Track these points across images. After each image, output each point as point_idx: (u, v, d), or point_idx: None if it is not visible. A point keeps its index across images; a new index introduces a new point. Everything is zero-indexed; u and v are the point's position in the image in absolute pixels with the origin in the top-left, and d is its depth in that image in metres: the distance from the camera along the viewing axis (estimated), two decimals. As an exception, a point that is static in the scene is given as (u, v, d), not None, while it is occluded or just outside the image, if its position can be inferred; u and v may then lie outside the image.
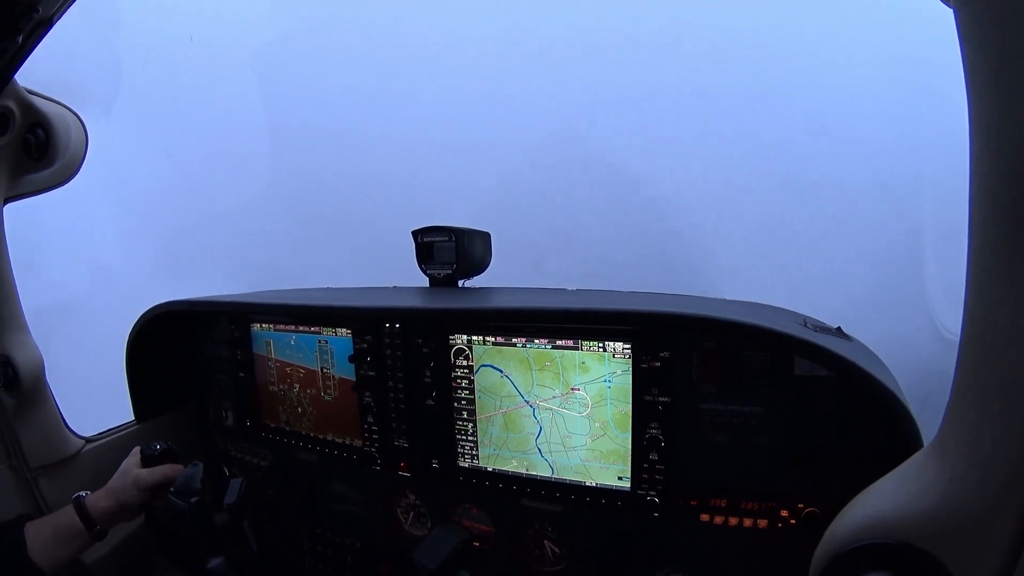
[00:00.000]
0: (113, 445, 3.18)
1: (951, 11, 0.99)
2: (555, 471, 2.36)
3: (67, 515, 2.52)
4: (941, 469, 1.09)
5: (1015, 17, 0.87)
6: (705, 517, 2.11)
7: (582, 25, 5.49)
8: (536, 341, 2.28)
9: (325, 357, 2.87)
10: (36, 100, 2.59)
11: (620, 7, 5.41)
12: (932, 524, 1.09)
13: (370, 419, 2.74)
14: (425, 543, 2.27)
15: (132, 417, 3.39)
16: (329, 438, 2.94)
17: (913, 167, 4.57)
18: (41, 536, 2.46)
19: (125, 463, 2.73)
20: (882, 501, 1.21)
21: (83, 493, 2.60)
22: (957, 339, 1.07)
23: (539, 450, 2.37)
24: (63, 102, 2.75)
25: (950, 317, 4.10)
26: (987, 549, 1.02)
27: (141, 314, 3.21)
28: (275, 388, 3.10)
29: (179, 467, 2.70)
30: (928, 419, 1.52)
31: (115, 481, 2.67)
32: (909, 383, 2.01)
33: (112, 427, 3.30)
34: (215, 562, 2.61)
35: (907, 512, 1.13)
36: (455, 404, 2.53)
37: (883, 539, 1.16)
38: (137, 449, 2.78)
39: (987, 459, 1.01)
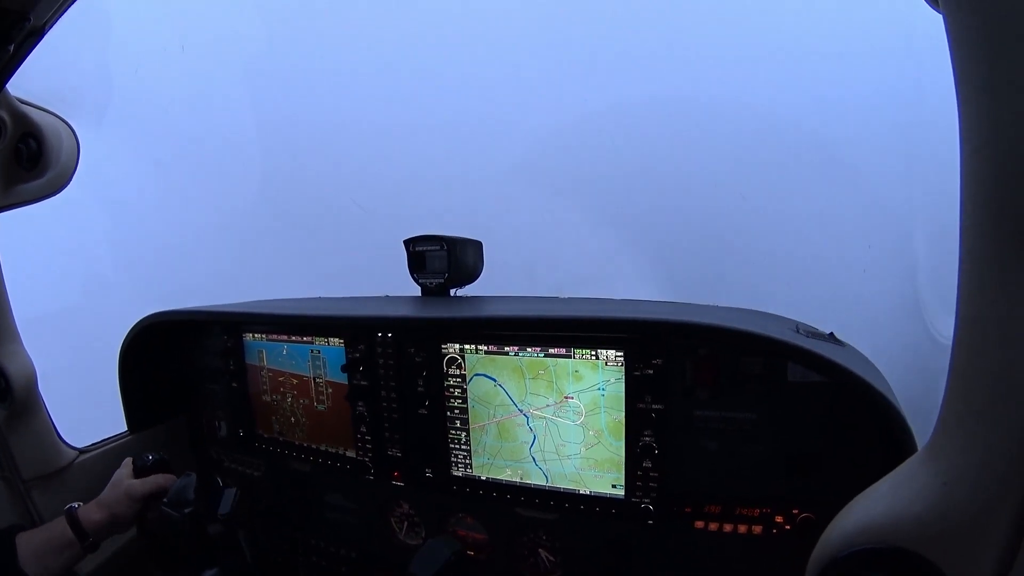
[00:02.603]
0: (106, 456, 3.16)
1: (940, 16, 0.99)
2: (549, 479, 2.36)
3: (59, 526, 2.52)
4: (935, 473, 1.09)
5: (1004, 21, 0.87)
6: (700, 524, 2.12)
7: (573, 32, 5.50)
8: (529, 350, 2.28)
9: (318, 367, 2.86)
10: (28, 110, 2.59)
11: (609, 15, 5.42)
12: (927, 528, 1.09)
13: (363, 428, 2.74)
14: (419, 555, 2.28)
15: (125, 428, 3.38)
16: (322, 448, 2.94)
17: (904, 171, 4.59)
18: (33, 547, 2.45)
19: (117, 474, 2.72)
20: (876, 506, 1.21)
21: (75, 505, 2.59)
22: (949, 343, 1.07)
23: (533, 459, 2.37)
24: (55, 112, 2.75)
25: (943, 321, 4.11)
26: (982, 552, 1.02)
27: (133, 324, 3.20)
28: (268, 398, 3.09)
29: (171, 477, 2.70)
30: (921, 424, 1.53)
31: (107, 493, 2.66)
32: (902, 387, 2.02)
33: (105, 438, 3.29)
34: (209, 573, 2.61)
35: (901, 516, 1.13)
36: (448, 413, 2.53)
37: (878, 544, 1.16)
38: (128, 460, 2.77)
39: (980, 463, 1.01)
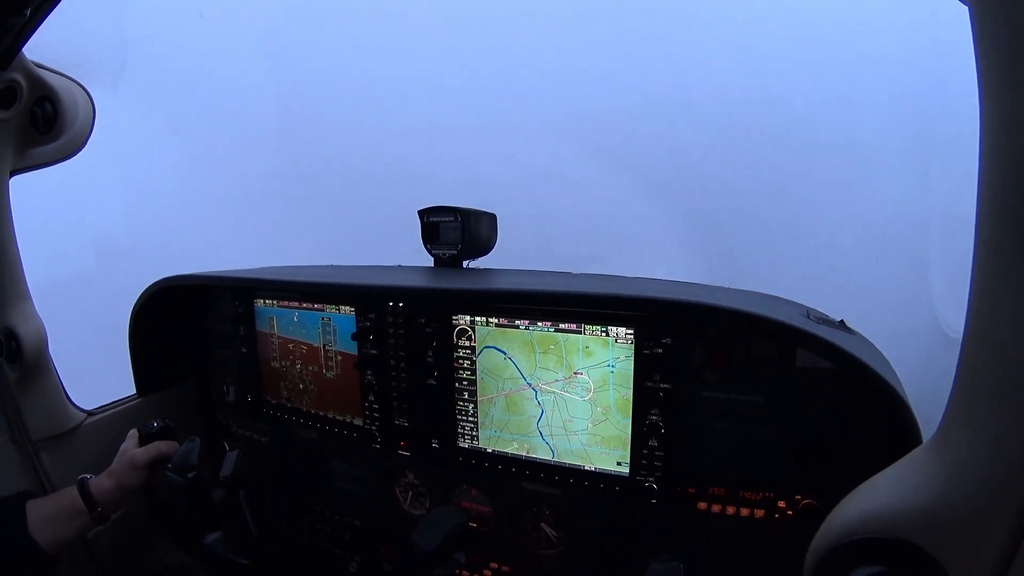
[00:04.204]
0: (115, 418, 3.19)
1: (965, 9, 0.98)
2: (555, 455, 2.36)
3: (70, 495, 2.55)
4: (940, 465, 1.09)
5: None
6: (703, 505, 2.12)
7: (597, 7, 5.47)
8: (540, 324, 2.28)
9: (328, 334, 2.88)
10: (44, 73, 2.59)
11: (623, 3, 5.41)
12: (929, 521, 1.09)
13: (371, 397, 2.75)
14: (423, 524, 2.28)
15: (134, 391, 3.40)
16: (330, 415, 2.95)
17: (920, 161, 4.57)
18: (42, 514, 2.48)
19: (123, 445, 2.75)
20: (879, 496, 1.21)
21: (87, 476, 2.63)
22: (959, 337, 1.07)
23: (540, 433, 2.38)
24: (71, 76, 2.75)
25: (953, 314, 4.11)
26: (983, 547, 1.02)
27: (145, 288, 3.21)
28: (277, 364, 3.10)
29: (173, 444, 2.72)
30: (928, 415, 1.53)
31: (114, 464, 2.70)
32: (910, 378, 2.01)
33: (114, 400, 3.31)
34: (212, 537, 2.63)
35: (904, 508, 1.13)
36: (456, 385, 2.53)
37: (879, 534, 1.16)
38: (134, 431, 2.80)
39: (986, 457, 1.01)
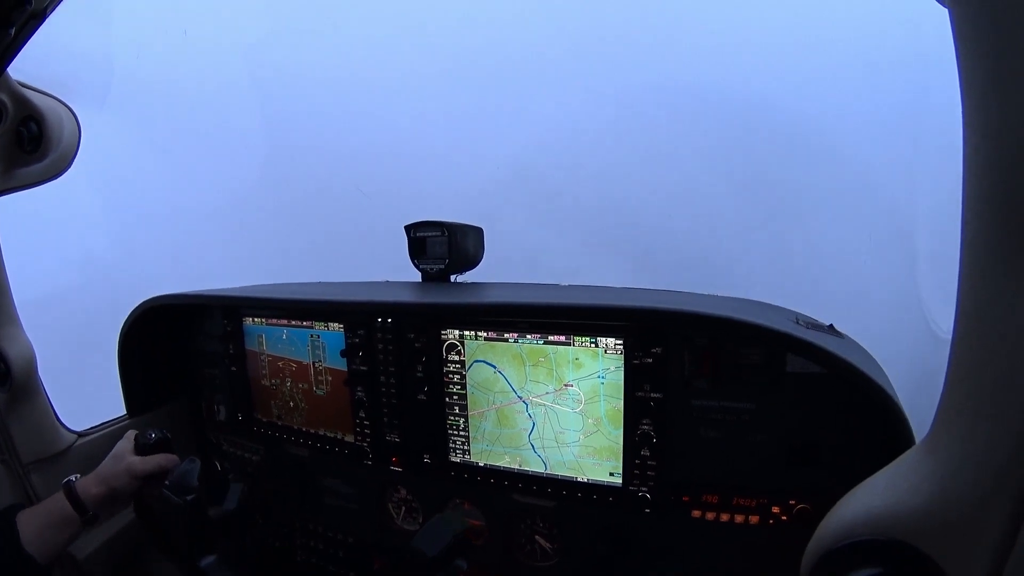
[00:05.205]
0: (105, 440, 3.16)
1: (946, 11, 0.99)
2: (548, 467, 2.36)
3: (58, 502, 2.49)
4: (933, 466, 1.09)
5: (1010, 16, 0.87)
6: (697, 513, 2.12)
7: (581, 24, 5.50)
8: (528, 336, 2.29)
9: (317, 351, 2.87)
10: (29, 93, 2.58)
11: (612, 13, 5.43)
12: (924, 521, 1.09)
13: (362, 414, 2.75)
14: (424, 530, 2.23)
15: (124, 411, 3.38)
16: (321, 432, 2.94)
17: (906, 164, 4.58)
18: (34, 525, 2.43)
19: (119, 447, 2.67)
20: (873, 498, 1.21)
21: (73, 477, 2.56)
22: (949, 337, 1.07)
23: (532, 446, 2.38)
24: (56, 95, 2.74)
25: (942, 315, 4.11)
26: (979, 546, 1.02)
27: (133, 308, 3.20)
28: (267, 382, 3.09)
29: (174, 458, 2.67)
30: (920, 417, 1.53)
31: (107, 466, 2.61)
32: (901, 380, 2.02)
33: (104, 421, 3.29)
34: (208, 560, 2.61)
35: (898, 509, 1.13)
36: (447, 399, 2.53)
37: (874, 536, 1.16)
38: (132, 433, 2.73)
39: (979, 456, 1.01)
